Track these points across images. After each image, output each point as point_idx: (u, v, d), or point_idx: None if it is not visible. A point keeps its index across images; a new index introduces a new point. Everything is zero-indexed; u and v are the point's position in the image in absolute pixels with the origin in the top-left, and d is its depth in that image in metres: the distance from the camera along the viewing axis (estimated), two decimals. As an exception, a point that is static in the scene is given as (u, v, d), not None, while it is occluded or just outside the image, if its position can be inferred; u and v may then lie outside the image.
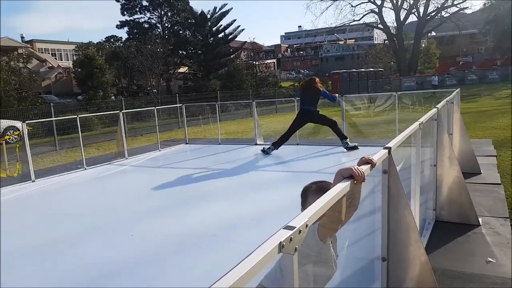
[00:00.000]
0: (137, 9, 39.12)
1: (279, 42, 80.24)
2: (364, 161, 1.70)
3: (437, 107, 3.65)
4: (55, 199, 6.30)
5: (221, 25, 38.83)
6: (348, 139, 8.08)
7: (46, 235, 4.45)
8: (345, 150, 7.97)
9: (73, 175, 7.75)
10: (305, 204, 1.90)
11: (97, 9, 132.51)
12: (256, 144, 9.59)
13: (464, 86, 27.66)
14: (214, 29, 38.44)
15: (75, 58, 35.54)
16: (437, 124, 3.63)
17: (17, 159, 8.91)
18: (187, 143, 10.82)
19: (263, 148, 8.46)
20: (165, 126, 17.04)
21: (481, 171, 5.59)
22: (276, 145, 8.32)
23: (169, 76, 36.86)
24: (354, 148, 7.95)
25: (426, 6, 39.89)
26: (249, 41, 44.79)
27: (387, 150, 1.96)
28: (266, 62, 46.71)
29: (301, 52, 72.98)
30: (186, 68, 40.87)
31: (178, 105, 15.57)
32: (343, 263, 2.63)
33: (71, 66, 36.51)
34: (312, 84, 8.24)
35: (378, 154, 1.84)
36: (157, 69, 30.22)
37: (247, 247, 0.93)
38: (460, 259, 3.14)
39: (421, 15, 40.27)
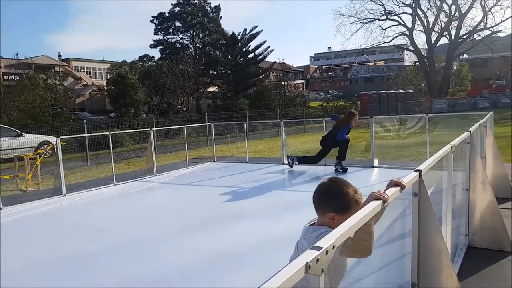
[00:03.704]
0: (170, 30, 40.32)
1: (308, 63, 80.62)
2: (393, 184, 1.67)
3: (470, 130, 3.56)
4: (85, 213, 6.43)
5: (250, 46, 39.45)
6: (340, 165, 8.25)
7: (75, 248, 4.54)
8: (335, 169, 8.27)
9: (103, 190, 7.92)
10: (327, 201, 1.74)
11: (131, 30, 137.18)
12: (284, 164, 9.56)
13: (497, 109, 26.86)
14: (244, 50, 39.08)
15: (108, 76, 36.77)
16: (470, 148, 3.54)
17: (32, 173, 9.19)
18: (214, 161, 10.90)
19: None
20: (194, 144, 17.26)
21: (516, 197, 5.38)
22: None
23: (199, 95, 37.52)
24: (344, 171, 8.14)
25: (458, 29, 39.31)
26: (278, 62, 45.21)
27: (417, 173, 1.93)
28: (294, 82, 46.90)
29: (330, 73, 73.02)
30: (216, 87, 41.53)
31: (207, 123, 15.78)
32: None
33: (104, 84, 37.75)
34: (348, 117, 8.45)
35: (408, 177, 1.81)
36: (187, 88, 30.82)
37: (274, 267, 0.93)
38: (494, 288, 3.01)
39: (452, 38, 39.67)
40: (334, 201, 1.72)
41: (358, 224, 1.25)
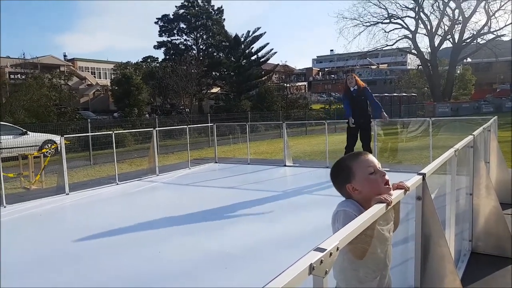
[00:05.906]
0: (175, 31, 40.50)
1: (310, 65, 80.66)
2: (395, 187, 1.67)
3: (473, 134, 3.54)
4: (88, 212, 6.44)
5: (253, 48, 39.49)
6: None
7: (77, 246, 4.54)
8: None
9: (105, 189, 7.93)
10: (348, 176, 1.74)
11: (136, 30, 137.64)
12: (285, 166, 9.55)
13: (501, 114, 26.79)
14: (247, 51, 39.07)
15: (112, 76, 36.87)
16: (473, 152, 3.52)
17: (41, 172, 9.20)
18: (216, 162, 10.90)
19: None
20: (196, 145, 17.26)
21: (520, 202, 5.35)
22: None
23: (201, 96, 37.56)
24: None
25: (462, 33, 39.18)
26: (281, 64, 45.19)
27: (421, 176, 1.91)
28: (297, 84, 46.90)
29: (333, 76, 72.97)
30: (218, 88, 41.57)
31: (209, 124, 15.80)
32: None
33: (108, 84, 37.83)
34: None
35: (412, 180, 1.80)
36: (190, 89, 30.86)
37: (275, 268, 0.92)
38: (497, 294, 2.99)
39: (456, 42, 39.57)
40: (339, 176, 1.80)
41: (362, 226, 1.24)
